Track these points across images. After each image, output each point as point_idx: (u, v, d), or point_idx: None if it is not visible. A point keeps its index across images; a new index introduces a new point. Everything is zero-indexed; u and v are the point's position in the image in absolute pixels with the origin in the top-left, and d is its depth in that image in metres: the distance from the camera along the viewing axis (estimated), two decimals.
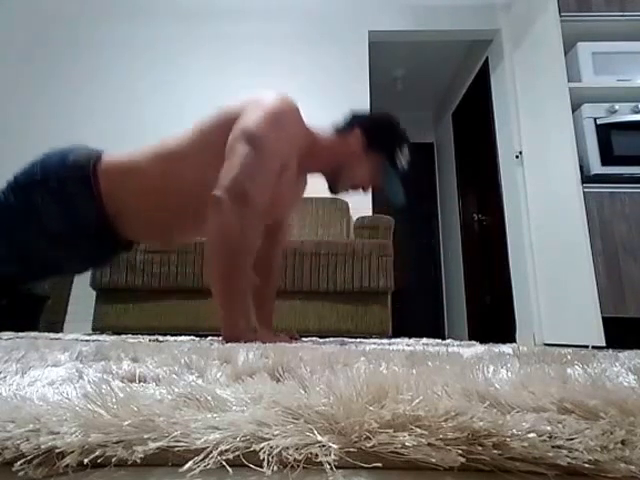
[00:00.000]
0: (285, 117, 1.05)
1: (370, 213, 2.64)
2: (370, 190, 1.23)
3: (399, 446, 0.21)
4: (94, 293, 2.02)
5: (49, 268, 1.16)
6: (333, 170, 1.19)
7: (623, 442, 0.22)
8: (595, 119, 2.25)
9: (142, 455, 0.21)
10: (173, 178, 1.06)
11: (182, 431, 0.22)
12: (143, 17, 3.15)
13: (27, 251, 1.06)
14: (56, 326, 1.96)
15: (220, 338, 0.95)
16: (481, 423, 0.22)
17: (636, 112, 2.25)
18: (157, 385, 0.33)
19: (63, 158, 1.06)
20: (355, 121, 1.18)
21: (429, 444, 0.21)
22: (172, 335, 1.59)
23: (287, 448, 0.21)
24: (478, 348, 0.95)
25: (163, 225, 1.15)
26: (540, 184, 2.55)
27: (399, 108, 4.37)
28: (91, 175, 1.04)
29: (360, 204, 2.60)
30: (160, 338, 1.36)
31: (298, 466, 0.21)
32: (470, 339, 2.96)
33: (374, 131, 1.17)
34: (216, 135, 1.03)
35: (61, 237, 1.06)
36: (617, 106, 2.25)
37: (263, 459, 0.21)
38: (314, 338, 1.55)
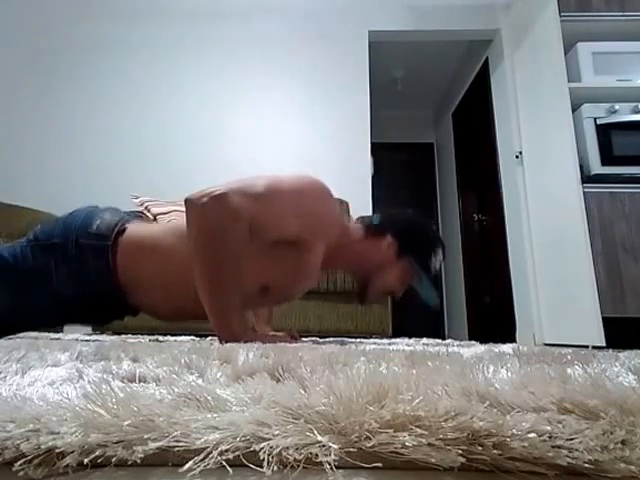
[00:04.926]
0: (314, 195, 1.00)
1: (370, 213, 2.64)
2: (400, 294, 1.20)
3: (399, 446, 0.21)
4: None
5: (50, 323, 1.15)
6: (363, 276, 1.15)
7: (623, 442, 0.22)
8: (595, 119, 2.25)
9: (142, 455, 0.21)
10: (189, 260, 0.98)
11: (182, 431, 0.22)
12: (143, 18, 3.15)
13: (33, 307, 1.04)
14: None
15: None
16: (481, 423, 0.22)
17: (636, 112, 2.25)
18: (157, 385, 0.33)
19: (87, 224, 1.03)
20: (387, 225, 1.13)
21: (429, 444, 0.21)
22: (172, 335, 1.59)
23: (287, 448, 0.21)
24: (478, 348, 0.95)
25: (175, 304, 1.10)
26: (540, 184, 2.55)
27: (399, 108, 4.39)
28: (110, 249, 1.01)
29: (360, 204, 2.60)
30: (160, 338, 1.37)
31: (298, 466, 0.21)
32: (470, 339, 2.96)
33: (407, 238, 1.12)
34: None
35: (69, 301, 1.03)
36: (617, 106, 2.26)
37: (263, 459, 0.21)
38: (314, 338, 1.55)
